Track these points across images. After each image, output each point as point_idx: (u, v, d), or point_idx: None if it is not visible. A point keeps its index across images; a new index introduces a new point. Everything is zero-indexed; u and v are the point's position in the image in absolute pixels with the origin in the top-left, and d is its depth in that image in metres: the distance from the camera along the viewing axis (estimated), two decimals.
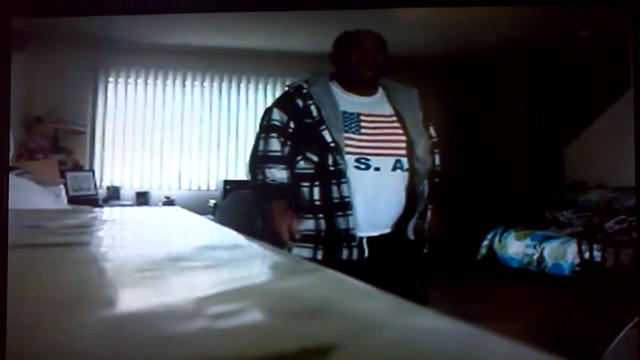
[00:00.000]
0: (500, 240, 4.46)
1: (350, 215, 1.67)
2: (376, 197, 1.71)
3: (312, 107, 1.74)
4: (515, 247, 4.32)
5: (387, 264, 1.72)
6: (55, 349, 0.32)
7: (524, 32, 4.16)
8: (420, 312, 0.37)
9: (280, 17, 4.23)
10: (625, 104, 3.96)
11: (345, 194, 1.67)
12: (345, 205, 1.68)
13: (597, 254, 3.16)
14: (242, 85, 5.17)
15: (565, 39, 4.35)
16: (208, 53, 4.92)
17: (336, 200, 1.68)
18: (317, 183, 1.70)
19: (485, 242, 4.56)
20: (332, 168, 1.69)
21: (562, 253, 3.91)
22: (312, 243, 1.71)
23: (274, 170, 1.74)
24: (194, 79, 5.06)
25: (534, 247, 4.15)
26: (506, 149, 4.71)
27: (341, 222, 1.68)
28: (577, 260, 3.44)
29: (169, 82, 5.01)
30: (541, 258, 4.05)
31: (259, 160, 1.77)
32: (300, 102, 1.76)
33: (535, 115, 4.76)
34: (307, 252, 1.71)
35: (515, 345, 0.31)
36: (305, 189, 1.71)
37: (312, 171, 1.71)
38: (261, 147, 1.77)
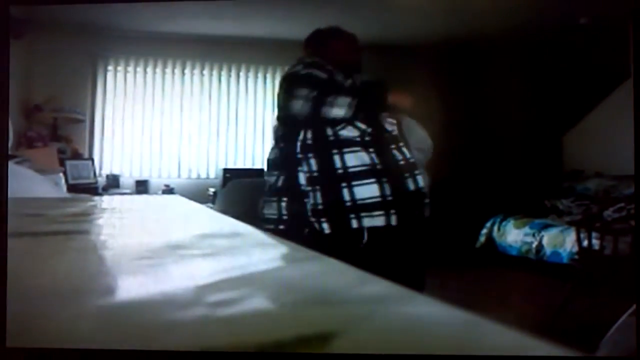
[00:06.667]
0: (499, 229, 4.47)
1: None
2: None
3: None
4: (514, 235, 4.32)
5: (389, 248, 1.70)
6: (56, 336, 0.32)
7: (523, 20, 4.13)
8: (419, 299, 0.37)
9: (279, 5, 4.21)
10: (624, 93, 3.95)
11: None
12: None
13: (595, 242, 3.17)
14: (242, 74, 5.15)
15: (565, 27, 4.33)
16: (207, 41, 4.89)
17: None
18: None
19: (485, 231, 4.57)
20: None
21: (560, 241, 3.91)
22: (382, 210, 1.64)
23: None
24: (193, 67, 5.04)
25: (533, 235, 4.15)
26: (505, 137, 4.70)
27: (410, 184, 1.68)
28: (575, 249, 3.44)
29: (169, 70, 4.99)
30: (540, 246, 4.06)
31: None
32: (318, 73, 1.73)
33: (534, 103, 4.75)
34: (379, 221, 1.64)
35: (513, 332, 0.31)
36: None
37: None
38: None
